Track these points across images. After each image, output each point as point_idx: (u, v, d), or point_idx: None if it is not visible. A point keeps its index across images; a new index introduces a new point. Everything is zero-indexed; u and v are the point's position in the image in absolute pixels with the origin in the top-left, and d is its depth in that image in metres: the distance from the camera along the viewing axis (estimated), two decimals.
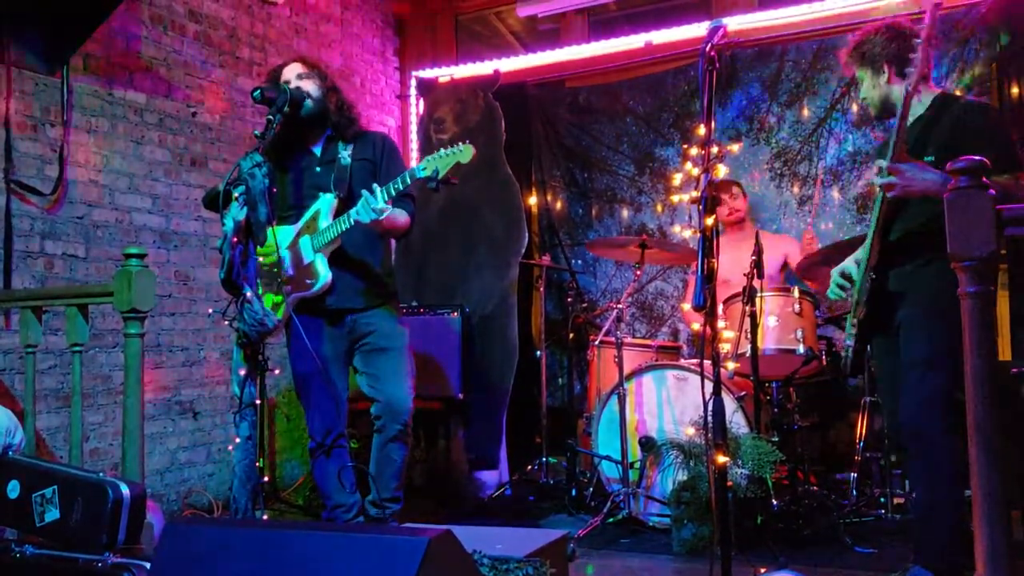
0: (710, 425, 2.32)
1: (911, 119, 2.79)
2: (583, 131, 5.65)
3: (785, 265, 4.65)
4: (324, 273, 3.16)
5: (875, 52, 2.90)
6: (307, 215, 3.22)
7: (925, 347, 2.74)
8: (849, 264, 3.00)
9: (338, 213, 3.15)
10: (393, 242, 3.70)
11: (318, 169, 3.30)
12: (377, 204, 2.91)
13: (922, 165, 2.62)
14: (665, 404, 4.00)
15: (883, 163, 2.63)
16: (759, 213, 5.08)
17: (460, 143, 2.94)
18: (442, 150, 2.93)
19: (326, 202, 3.18)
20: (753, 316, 3.65)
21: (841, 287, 2.99)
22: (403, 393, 3.23)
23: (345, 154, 3.27)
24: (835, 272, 3.02)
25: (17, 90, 3.70)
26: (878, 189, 2.74)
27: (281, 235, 3.22)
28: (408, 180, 2.97)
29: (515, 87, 5.68)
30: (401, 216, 3.18)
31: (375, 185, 2.97)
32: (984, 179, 1.73)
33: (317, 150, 3.34)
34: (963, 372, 2.55)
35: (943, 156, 2.62)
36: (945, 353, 2.65)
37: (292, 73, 3.25)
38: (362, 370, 3.29)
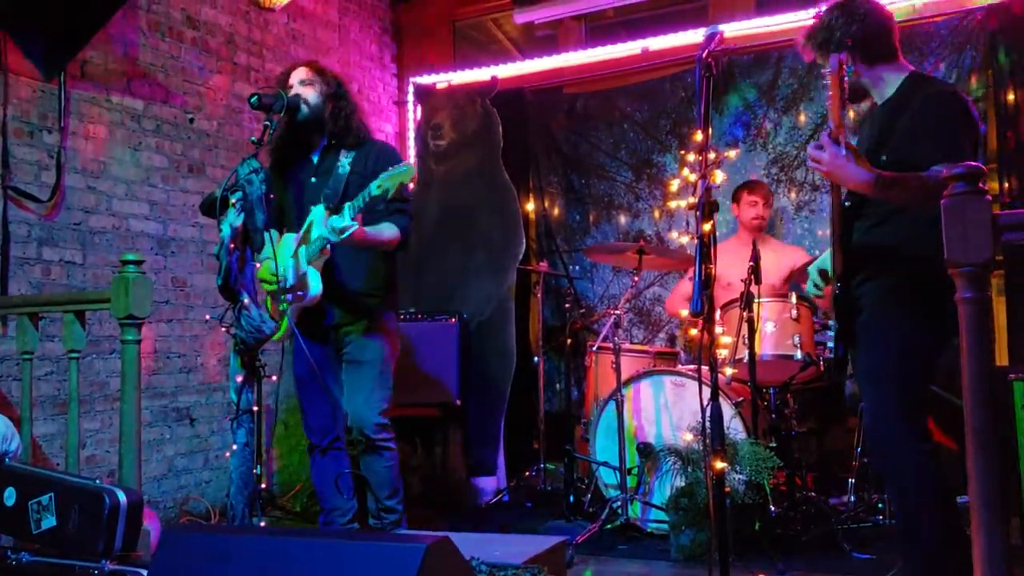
0: (708, 431, 2.32)
1: (880, 100, 2.70)
2: (581, 137, 5.65)
3: (790, 276, 4.60)
4: (315, 285, 3.14)
5: (836, 38, 2.68)
6: (304, 226, 3.21)
7: (867, 360, 2.62)
8: (827, 258, 2.80)
9: None
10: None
11: (313, 180, 3.29)
12: (340, 224, 2.89)
13: (846, 159, 2.47)
14: (663, 410, 3.99)
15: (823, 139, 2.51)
16: None
17: (404, 163, 2.95)
18: (391, 168, 2.91)
19: (318, 214, 3.14)
20: (751, 322, 3.66)
21: (817, 285, 2.82)
22: (367, 407, 3.23)
23: (345, 163, 3.26)
24: (812, 269, 2.86)
25: (14, 96, 3.70)
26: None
27: (285, 243, 3.22)
28: (367, 198, 2.93)
29: (513, 93, 5.68)
30: (386, 232, 3.15)
31: (347, 204, 2.94)
32: (980, 184, 1.73)
33: (315, 158, 3.33)
34: (912, 382, 2.51)
35: (894, 160, 2.54)
36: (887, 364, 2.54)
37: (296, 78, 3.26)
38: (342, 380, 3.32)
